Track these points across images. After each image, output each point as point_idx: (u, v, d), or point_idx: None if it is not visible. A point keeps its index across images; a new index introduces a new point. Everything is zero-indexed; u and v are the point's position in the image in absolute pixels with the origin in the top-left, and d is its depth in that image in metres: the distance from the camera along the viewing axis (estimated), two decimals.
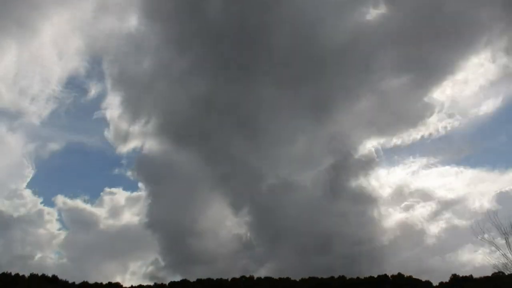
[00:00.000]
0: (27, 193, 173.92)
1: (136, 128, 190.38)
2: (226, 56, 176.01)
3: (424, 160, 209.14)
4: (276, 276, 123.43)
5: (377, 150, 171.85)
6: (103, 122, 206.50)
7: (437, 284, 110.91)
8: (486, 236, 41.87)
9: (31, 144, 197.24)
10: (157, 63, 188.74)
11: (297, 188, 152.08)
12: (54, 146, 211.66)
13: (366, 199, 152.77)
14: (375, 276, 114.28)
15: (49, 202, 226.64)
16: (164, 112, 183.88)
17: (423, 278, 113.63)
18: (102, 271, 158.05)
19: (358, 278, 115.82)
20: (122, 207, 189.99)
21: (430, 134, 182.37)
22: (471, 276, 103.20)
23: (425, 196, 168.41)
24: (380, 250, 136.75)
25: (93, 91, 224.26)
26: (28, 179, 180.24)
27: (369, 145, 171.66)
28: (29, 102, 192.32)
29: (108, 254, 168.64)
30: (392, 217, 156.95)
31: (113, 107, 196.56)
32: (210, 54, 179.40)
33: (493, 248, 42.02)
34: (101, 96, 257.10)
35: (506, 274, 44.18)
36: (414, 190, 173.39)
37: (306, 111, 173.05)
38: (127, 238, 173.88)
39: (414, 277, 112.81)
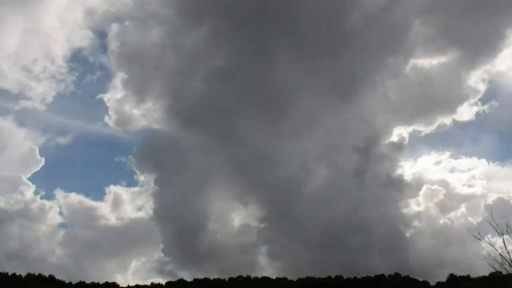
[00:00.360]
0: (28, 186, 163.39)
1: (142, 109, 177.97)
2: (244, 31, 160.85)
3: (453, 150, 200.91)
4: (290, 274, 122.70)
5: (404, 137, 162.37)
6: (107, 105, 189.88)
7: (435, 284, 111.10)
8: (483, 235, 42.12)
9: (33, 133, 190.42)
10: (167, 35, 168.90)
11: (318, 177, 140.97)
12: (58, 134, 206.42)
13: (392, 189, 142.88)
14: (372, 276, 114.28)
15: (49, 196, 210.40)
16: (174, 91, 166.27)
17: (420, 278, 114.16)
18: (105, 267, 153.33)
19: (355, 277, 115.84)
20: (127, 200, 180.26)
21: (465, 122, 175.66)
22: (468, 276, 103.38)
23: (447, 188, 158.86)
24: (404, 243, 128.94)
25: (98, 69, 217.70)
26: (31, 171, 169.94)
27: (397, 131, 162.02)
28: (33, 82, 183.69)
29: (111, 249, 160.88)
30: (415, 208, 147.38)
31: (118, 87, 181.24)
32: (227, 27, 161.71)
33: (490, 247, 42.24)
34: (106, 75, 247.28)
35: (504, 274, 44.33)
36: (439, 180, 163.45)
37: (330, 92, 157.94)
38: (131, 233, 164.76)
39: (411, 276, 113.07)
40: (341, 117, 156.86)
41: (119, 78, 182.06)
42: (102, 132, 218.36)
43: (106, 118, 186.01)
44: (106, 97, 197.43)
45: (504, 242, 41.72)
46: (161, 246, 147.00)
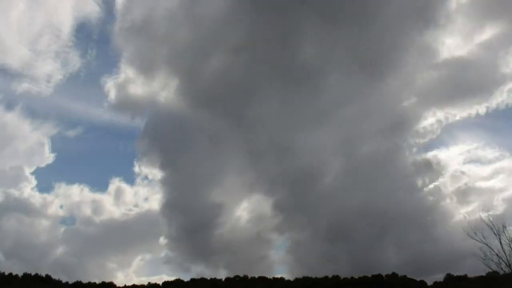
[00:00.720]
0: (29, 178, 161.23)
1: (152, 87, 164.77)
2: (266, 3, 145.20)
3: (481, 140, 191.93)
4: (302, 268, 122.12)
5: (436, 123, 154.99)
6: (113, 85, 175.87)
7: (432, 284, 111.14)
8: (480, 236, 42.13)
9: (37, 121, 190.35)
10: (180, 6, 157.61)
11: (345, 165, 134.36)
12: (63, 122, 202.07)
13: (422, 177, 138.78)
14: (369, 275, 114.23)
15: (50, 190, 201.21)
16: (186, 68, 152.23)
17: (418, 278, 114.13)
18: (113, 261, 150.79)
19: (352, 277, 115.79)
20: (131, 192, 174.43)
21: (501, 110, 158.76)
22: (465, 275, 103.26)
23: (469, 179, 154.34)
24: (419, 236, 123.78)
25: (104, 44, 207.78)
26: (36, 164, 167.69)
27: (424, 116, 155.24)
28: (38, 61, 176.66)
29: (117, 244, 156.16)
30: (435, 199, 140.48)
31: (125, 64, 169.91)
32: None
33: (487, 247, 42.24)
34: (112, 51, 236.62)
35: (500, 273, 44.33)
36: (462, 171, 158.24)
37: (356, 71, 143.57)
38: (135, 226, 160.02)
39: (408, 276, 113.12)
40: (366, 99, 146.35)
41: (126, 53, 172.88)
42: (108, 117, 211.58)
43: (112, 99, 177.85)
44: (112, 76, 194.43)
45: (500, 242, 41.80)
46: (167, 239, 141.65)
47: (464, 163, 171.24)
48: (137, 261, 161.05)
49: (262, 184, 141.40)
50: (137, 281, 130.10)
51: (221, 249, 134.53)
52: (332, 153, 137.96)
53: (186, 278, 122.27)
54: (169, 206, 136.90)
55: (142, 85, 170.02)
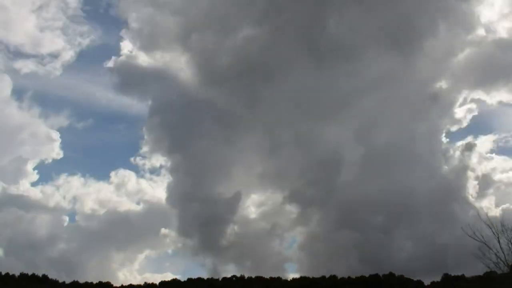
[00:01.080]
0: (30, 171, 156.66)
1: (159, 63, 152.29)
2: None
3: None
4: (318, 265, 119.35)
5: (469, 109, 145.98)
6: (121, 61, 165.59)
7: (429, 284, 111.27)
8: (478, 235, 42.21)
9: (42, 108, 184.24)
10: None
11: (366, 153, 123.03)
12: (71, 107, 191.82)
13: (449, 166, 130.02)
14: (367, 275, 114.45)
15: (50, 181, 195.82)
16: (201, 41, 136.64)
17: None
18: (116, 256, 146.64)
19: (349, 277, 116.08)
20: (138, 182, 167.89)
21: None
22: (463, 275, 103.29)
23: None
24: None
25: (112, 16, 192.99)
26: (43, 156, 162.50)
27: (461, 99, 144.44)
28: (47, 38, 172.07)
29: (122, 239, 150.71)
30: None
31: (134, 36, 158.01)
32: None
33: (485, 247, 42.33)
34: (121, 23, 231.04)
35: (498, 273, 44.44)
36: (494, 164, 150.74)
37: (387, 45, 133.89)
38: (142, 218, 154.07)
39: (405, 276, 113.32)
40: (395, 81, 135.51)
41: (134, 25, 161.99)
42: (113, 99, 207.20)
43: (117, 78, 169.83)
44: (118, 53, 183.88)
45: (499, 241, 41.88)
46: (174, 232, 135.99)
47: (495, 153, 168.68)
48: (142, 257, 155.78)
49: (277, 174, 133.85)
50: (140, 279, 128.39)
51: (231, 243, 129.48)
52: (355, 139, 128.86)
53: (192, 275, 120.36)
54: (177, 197, 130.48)
55: (151, 61, 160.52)
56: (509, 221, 42.20)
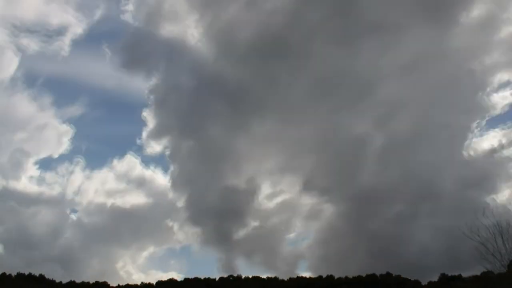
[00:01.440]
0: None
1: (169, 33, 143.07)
2: None
3: None
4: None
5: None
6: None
7: (426, 284, 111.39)
8: (475, 235, 42.24)
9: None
10: None
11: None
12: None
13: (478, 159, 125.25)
14: (364, 275, 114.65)
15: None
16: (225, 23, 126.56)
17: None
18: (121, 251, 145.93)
19: (346, 277, 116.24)
20: (143, 172, 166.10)
21: None
22: (460, 275, 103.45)
23: None
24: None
25: None
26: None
27: (497, 82, 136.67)
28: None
29: (128, 233, 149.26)
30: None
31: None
32: None
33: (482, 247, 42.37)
34: None
35: (495, 273, 44.48)
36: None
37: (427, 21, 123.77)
38: (148, 210, 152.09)
39: (402, 276, 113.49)
40: (427, 59, 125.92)
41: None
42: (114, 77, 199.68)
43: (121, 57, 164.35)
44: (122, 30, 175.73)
45: (496, 240, 41.92)
46: (182, 224, 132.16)
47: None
48: (146, 253, 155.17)
49: (292, 163, 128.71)
50: (143, 277, 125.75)
51: (242, 237, 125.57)
52: (375, 127, 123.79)
53: (197, 273, 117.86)
54: (185, 187, 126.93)
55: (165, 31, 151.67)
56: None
